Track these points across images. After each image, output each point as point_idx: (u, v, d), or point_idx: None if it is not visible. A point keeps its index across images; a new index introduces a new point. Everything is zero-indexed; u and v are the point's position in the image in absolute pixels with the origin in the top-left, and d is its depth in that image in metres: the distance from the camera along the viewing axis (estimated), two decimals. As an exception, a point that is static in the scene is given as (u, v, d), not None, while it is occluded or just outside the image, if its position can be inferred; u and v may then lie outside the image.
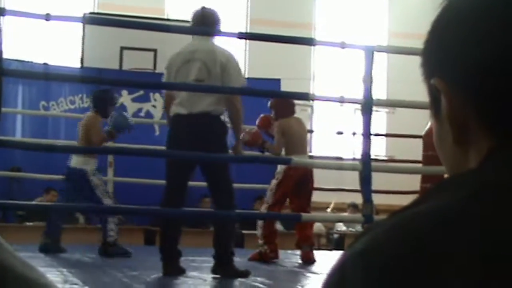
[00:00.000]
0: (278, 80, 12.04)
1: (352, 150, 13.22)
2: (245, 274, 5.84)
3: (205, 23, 6.05)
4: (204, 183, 7.55)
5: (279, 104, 7.78)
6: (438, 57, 0.82)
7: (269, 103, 8.01)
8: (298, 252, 8.54)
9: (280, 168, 7.83)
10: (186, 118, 5.76)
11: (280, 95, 6.44)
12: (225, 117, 5.94)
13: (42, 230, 8.13)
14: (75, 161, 7.85)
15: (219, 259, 5.83)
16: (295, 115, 7.98)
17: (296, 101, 12.31)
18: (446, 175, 0.84)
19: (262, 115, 7.95)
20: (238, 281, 5.69)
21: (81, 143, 7.81)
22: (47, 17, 5.32)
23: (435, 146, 0.86)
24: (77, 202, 7.81)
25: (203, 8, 6.17)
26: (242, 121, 6.05)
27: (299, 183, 7.66)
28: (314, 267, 7.21)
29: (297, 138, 7.75)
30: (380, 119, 14.56)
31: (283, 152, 7.67)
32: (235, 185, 9.51)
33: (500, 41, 0.75)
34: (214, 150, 5.70)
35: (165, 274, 5.76)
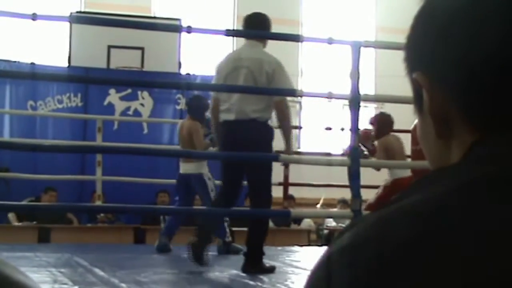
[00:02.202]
0: (266, 77, 12.03)
1: (340, 145, 13.23)
2: (271, 270, 6.05)
3: (254, 28, 6.44)
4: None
5: (379, 122, 8.45)
6: (419, 51, 0.82)
7: (369, 120, 8.71)
8: (289, 248, 8.56)
9: (390, 177, 8.47)
10: (233, 124, 6.00)
11: (269, 92, 6.39)
12: (271, 122, 6.17)
13: (32, 230, 8.12)
14: (191, 168, 8.00)
15: (250, 257, 6.03)
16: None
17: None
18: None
19: (364, 129, 8.59)
20: (229, 278, 5.70)
21: (186, 148, 7.97)
22: (34, 17, 5.31)
23: (419, 141, 0.86)
24: (192, 205, 8.08)
25: (253, 13, 6.66)
26: (290, 125, 6.25)
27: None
28: (303, 263, 7.22)
29: (398, 153, 8.40)
30: (368, 114, 14.56)
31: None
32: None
33: (481, 35, 0.75)
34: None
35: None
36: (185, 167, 8.05)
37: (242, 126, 5.95)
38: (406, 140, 8.20)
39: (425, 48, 0.81)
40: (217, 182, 9.87)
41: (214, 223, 6.26)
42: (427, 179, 0.75)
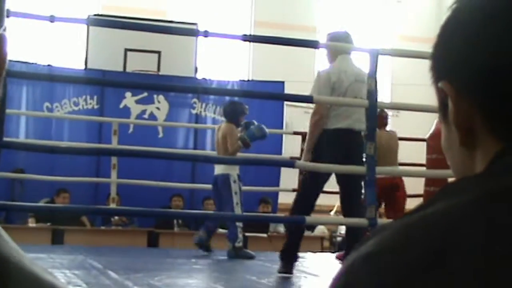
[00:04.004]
0: (282, 83, 12.03)
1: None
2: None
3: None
4: (206, 186, 7.62)
5: None
6: (445, 60, 0.82)
7: None
8: (302, 254, 8.54)
9: None
10: (355, 134, 6.21)
11: (284, 98, 6.38)
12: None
13: (46, 231, 8.12)
14: (219, 168, 8.14)
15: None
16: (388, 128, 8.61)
17: (299, 104, 12.32)
18: (451, 179, 0.84)
19: None
20: (241, 282, 5.69)
21: (221, 152, 8.17)
22: (52, 19, 5.33)
23: (443, 149, 0.86)
24: (222, 207, 8.12)
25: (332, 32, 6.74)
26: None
27: (386, 191, 8.03)
28: (316, 270, 7.20)
29: (386, 150, 8.27)
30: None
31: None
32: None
33: (506, 45, 0.75)
34: (356, 164, 6.02)
35: (282, 273, 6.15)
36: (216, 168, 8.22)
37: (354, 136, 6.19)
38: (422, 149, 8.17)
39: (451, 57, 0.81)
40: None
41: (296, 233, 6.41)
42: (451, 188, 0.75)
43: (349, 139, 6.17)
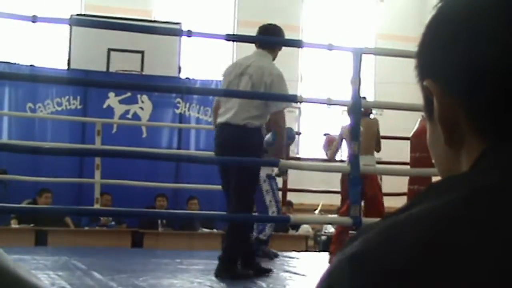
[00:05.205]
0: (266, 82, 12.02)
1: (340, 152, 13.20)
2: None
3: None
4: (190, 186, 7.56)
5: None
6: (430, 59, 0.82)
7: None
8: (286, 254, 8.55)
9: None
10: (222, 127, 6.08)
11: (267, 97, 6.38)
12: (263, 130, 6.19)
13: (29, 233, 8.07)
14: None
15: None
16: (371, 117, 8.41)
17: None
18: (435, 177, 0.84)
19: (328, 136, 8.71)
20: (225, 284, 5.68)
21: None
22: (34, 19, 5.30)
23: (429, 148, 0.86)
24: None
25: (268, 23, 6.65)
26: (283, 138, 6.31)
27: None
28: (300, 269, 7.21)
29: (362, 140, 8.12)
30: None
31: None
32: (219, 187, 9.49)
33: (486, 44, 0.75)
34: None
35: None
36: None
37: (229, 130, 6.01)
38: (406, 148, 8.19)
39: (436, 55, 0.81)
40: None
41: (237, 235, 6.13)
42: (436, 187, 0.74)
43: (223, 133, 6.06)
